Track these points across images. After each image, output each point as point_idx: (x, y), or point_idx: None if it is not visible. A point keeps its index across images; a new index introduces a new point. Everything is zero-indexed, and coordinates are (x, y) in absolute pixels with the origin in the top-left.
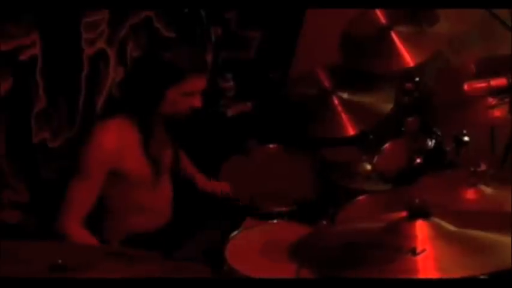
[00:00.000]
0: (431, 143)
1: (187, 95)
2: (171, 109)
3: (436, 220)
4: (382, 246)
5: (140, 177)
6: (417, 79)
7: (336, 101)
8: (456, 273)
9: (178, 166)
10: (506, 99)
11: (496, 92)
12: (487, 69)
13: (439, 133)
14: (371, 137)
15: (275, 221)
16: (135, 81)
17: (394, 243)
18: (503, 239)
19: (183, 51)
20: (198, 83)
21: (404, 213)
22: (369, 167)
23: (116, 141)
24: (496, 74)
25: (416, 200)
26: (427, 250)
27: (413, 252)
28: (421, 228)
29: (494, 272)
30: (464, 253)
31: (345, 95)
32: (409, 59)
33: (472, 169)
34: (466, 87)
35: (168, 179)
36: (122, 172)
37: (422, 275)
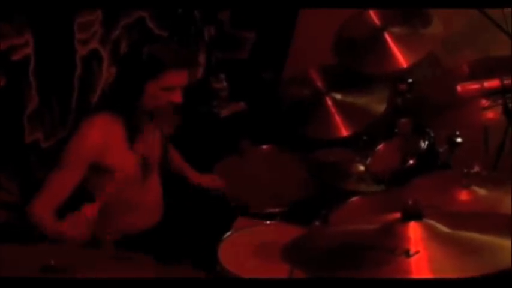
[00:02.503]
0: (424, 144)
1: (166, 90)
2: (151, 104)
3: (430, 221)
4: (375, 248)
5: (128, 174)
6: (410, 80)
7: (329, 102)
8: (450, 275)
9: (168, 163)
10: (499, 101)
11: (489, 93)
12: (480, 71)
13: (432, 134)
14: (364, 138)
15: (268, 221)
16: (118, 76)
17: (388, 244)
18: (496, 240)
19: (163, 45)
20: (178, 78)
21: (397, 215)
22: (362, 168)
23: (101, 136)
24: (489, 76)
25: (410, 202)
26: (421, 252)
27: (407, 253)
28: (414, 230)
29: (488, 274)
30: (457, 255)
31: (338, 96)
32: (402, 60)
33: (465, 170)
34: (459, 88)
35: (158, 176)
36: (109, 168)
37: (415, 276)
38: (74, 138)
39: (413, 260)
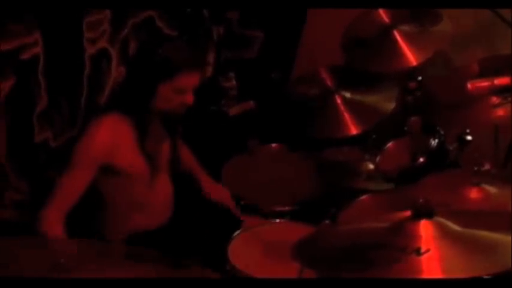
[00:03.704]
0: (434, 142)
1: (179, 92)
2: (163, 105)
3: (440, 220)
4: (386, 246)
5: (137, 174)
6: (420, 78)
7: (338, 101)
8: (460, 274)
9: (177, 164)
10: (510, 98)
11: (500, 91)
12: (490, 69)
13: (442, 132)
14: (374, 136)
15: (277, 220)
16: (129, 77)
17: (398, 243)
18: (507, 238)
19: (176, 46)
20: (190, 80)
21: (408, 213)
22: (371, 166)
23: (110, 137)
24: (500, 73)
25: (421, 200)
26: (431, 250)
27: (418, 252)
28: (425, 228)
29: (498, 273)
30: (468, 253)
31: (348, 95)
32: (411, 58)
33: (476, 168)
34: (469, 86)
35: (167, 176)
36: (118, 168)
37: (426, 275)
38: (82, 139)
39: (424, 259)
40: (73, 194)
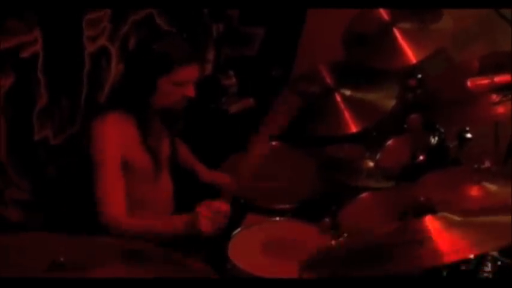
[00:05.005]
0: (434, 140)
1: (179, 85)
2: (164, 100)
3: (443, 213)
4: (400, 245)
5: (143, 170)
6: (420, 76)
7: (338, 98)
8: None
9: (177, 160)
10: (510, 96)
11: (500, 88)
12: (491, 66)
13: (442, 130)
14: (374, 133)
15: (278, 218)
16: (128, 73)
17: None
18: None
19: (173, 41)
20: (190, 73)
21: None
22: (371, 164)
23: (119, 133)
24: (500, 71)
25: (422, 198)
26: (437, 239)
27: (421, 243)
28: (430, 223)
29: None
30: (472, 233)
31: (348, 92)
32: (411, 56)
33: (476, 166)
34: (469, 83)
35: (168, 173)
36: (130, 164)
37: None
38: (94, 141)
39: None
40: (118, 193)
